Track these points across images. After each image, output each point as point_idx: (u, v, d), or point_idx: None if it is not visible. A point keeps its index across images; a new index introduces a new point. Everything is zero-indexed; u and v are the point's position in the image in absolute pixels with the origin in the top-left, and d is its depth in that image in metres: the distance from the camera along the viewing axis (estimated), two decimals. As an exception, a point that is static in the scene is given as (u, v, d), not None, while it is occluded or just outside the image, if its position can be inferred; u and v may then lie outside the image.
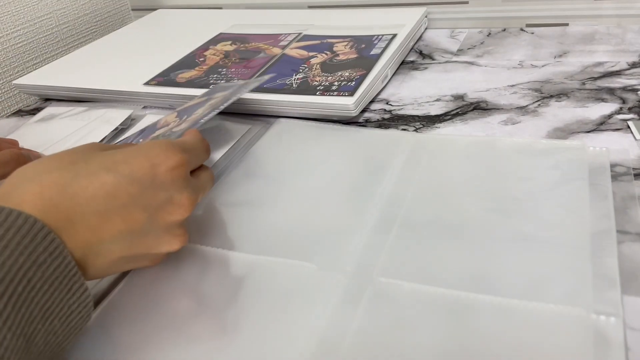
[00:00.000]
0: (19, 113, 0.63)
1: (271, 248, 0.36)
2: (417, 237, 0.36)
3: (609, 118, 0.46)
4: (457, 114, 0.50)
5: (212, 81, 0.57)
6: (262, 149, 0.48)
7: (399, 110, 0.52)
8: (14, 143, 0.48)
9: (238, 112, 0.54)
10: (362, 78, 0.52)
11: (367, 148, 0.46)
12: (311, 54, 0.60)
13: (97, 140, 0.51)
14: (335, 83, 0.52)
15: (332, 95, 0.50)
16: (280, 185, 0.43)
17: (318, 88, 0.52)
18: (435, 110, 0.51)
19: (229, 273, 0.35)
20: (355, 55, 0.58)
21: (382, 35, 0.62)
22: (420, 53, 0.64)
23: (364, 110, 0.52)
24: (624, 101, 0.48)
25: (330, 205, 0.40)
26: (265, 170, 0.45)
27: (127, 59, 0.66)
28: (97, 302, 0.34)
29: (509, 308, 0.30)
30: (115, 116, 0.55)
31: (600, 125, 0.45)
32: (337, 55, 0.59)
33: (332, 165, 0.44)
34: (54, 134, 0.55)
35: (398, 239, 0.36)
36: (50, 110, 0.60)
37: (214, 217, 0.40)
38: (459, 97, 0.52)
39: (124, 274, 0.36)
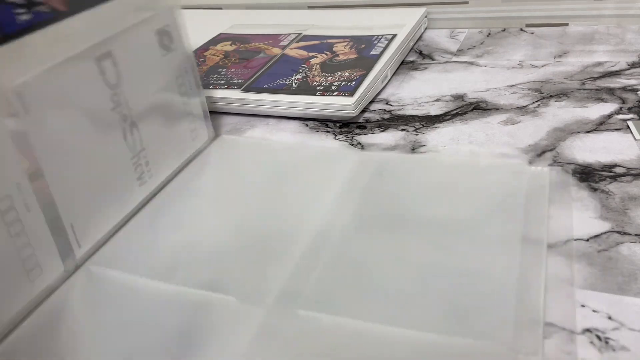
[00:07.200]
0: (19, 113, 0.63)
1: (185, 276, 0.34)
2: (344, 268, 0.34)
3: (609, 118, 0.46)
4: (457, 114, 0.50)
5: (212, 81, 0.57)
6: (193, 170, 0.45)
7: (398, 110, 0.52)
8: None
9: (237, 112, 0.54)
10: (362, 78, 0.52)
11: (304, 167, 0.44)
12: (311, 54, 0.60)
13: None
14: (335, 83, 0.52)
15: (332, 95, 0.50)
16: (207, 206, 0.41)
17: (318, 88, 0.52)
18: (435, 110, 0.51)
19: (133, 303, 0.32)
20: (355, 56, 0.58)
21: (382, 35, 0.62)
22: (420, 53, 0.64)
23: (363, 111, 0.52)
24: (623, 101, 0.48)
25: (257, 229, 0.38)
26: (194, 191, 0.42)
27: (127, 59, 0.66)
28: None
29: (428, 343, 0.28)
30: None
31: (600, 125, 0.45)
32: (337, 55, 0.59)
33: (263, 185, 0.42)
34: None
35: (325, 270, 0.34)
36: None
37: (134, 242, 0.38)
38: (458, 97, 0.53)
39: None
